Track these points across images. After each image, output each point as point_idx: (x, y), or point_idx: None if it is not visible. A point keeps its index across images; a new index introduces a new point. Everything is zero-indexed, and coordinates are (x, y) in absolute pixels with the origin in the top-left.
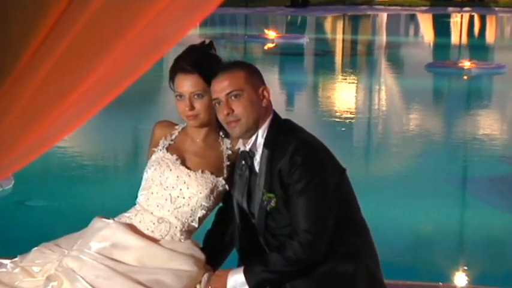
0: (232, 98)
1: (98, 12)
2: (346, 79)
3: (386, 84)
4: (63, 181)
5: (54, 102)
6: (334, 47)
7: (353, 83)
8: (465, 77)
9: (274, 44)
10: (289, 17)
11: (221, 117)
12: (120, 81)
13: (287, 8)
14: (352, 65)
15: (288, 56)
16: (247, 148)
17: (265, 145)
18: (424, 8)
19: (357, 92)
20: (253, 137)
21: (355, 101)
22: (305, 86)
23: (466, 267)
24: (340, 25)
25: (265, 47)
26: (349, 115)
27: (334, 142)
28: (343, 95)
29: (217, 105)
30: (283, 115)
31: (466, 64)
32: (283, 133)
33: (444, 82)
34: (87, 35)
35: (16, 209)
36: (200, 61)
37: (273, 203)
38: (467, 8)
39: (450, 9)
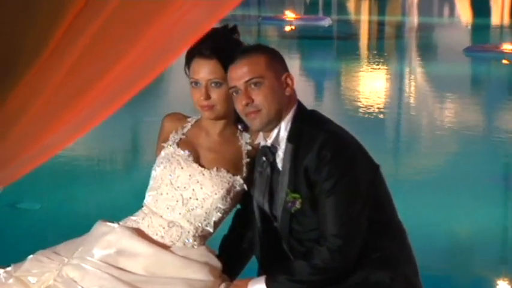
0: (252, 86)
1: (116, 10)
2: (372, 66)
3: (419, 72)
4: (58, 182)
5: (73, 99)
6: (359, 29)
7: (381, 70)
8: (507, 62)
9: (292, 27)
10: None
11: (239, 107)
12: (136, 81)
13: None
14: (379, 50)
15: (308, 40)
16: (269, 143)
17: (288, 139)
18: None
19: (385, 81)
20: (276, 130)
21: (384, 90)
22: (327, 74)
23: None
24: (365, 5)
25: (283, 30)
26: (376, 107)
27: (360, 138)
28: (370, 84)
29: (234, 94)
30: None
31: (509, 48)
32: (309, 125)
33: (484, 68)
34: (107, 31)
35: (7, 213)
36: (221, 46)
37: (297, 205)
38: None
39: None
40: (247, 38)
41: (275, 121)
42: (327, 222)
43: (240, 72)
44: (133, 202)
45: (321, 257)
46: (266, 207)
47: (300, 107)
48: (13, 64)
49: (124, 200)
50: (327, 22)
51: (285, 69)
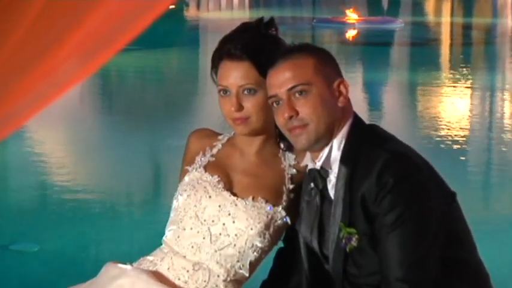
0: (297, 95)
1: None
2: (456, 79)
3: None
4: (61, 220)
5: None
6: (439, 34)
7: (466, 84)
8: None
9: (354, 31)
10: None
11: (280, 121)
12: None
13: None
14: (464, 60)
15: (374, 46)
16: (318, 165)
17: (342, 161)
18: None
19: (471, 98)
20: (326, 150)
21: (470, 110)
22: (398, 90)
23: None
24: (447, 4)
25: (343, 35)
26: (461, 131)
27: (440, 169)
28: (452, 101)
29: (275, 105)
30: None
31: None
32: (368, 144)
33: None
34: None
35: None
36: (255, 44)
37: (354, 242)
38: None
39: None
40: None
41: (325, 138)
42: (390, 264)
43: (282, 78)
44: (154, 245)
45: None
46: (315, 244)
47: (357, 121)
48: None
49: (142, 243)
50: (398, 25)
51: (338, 74)
